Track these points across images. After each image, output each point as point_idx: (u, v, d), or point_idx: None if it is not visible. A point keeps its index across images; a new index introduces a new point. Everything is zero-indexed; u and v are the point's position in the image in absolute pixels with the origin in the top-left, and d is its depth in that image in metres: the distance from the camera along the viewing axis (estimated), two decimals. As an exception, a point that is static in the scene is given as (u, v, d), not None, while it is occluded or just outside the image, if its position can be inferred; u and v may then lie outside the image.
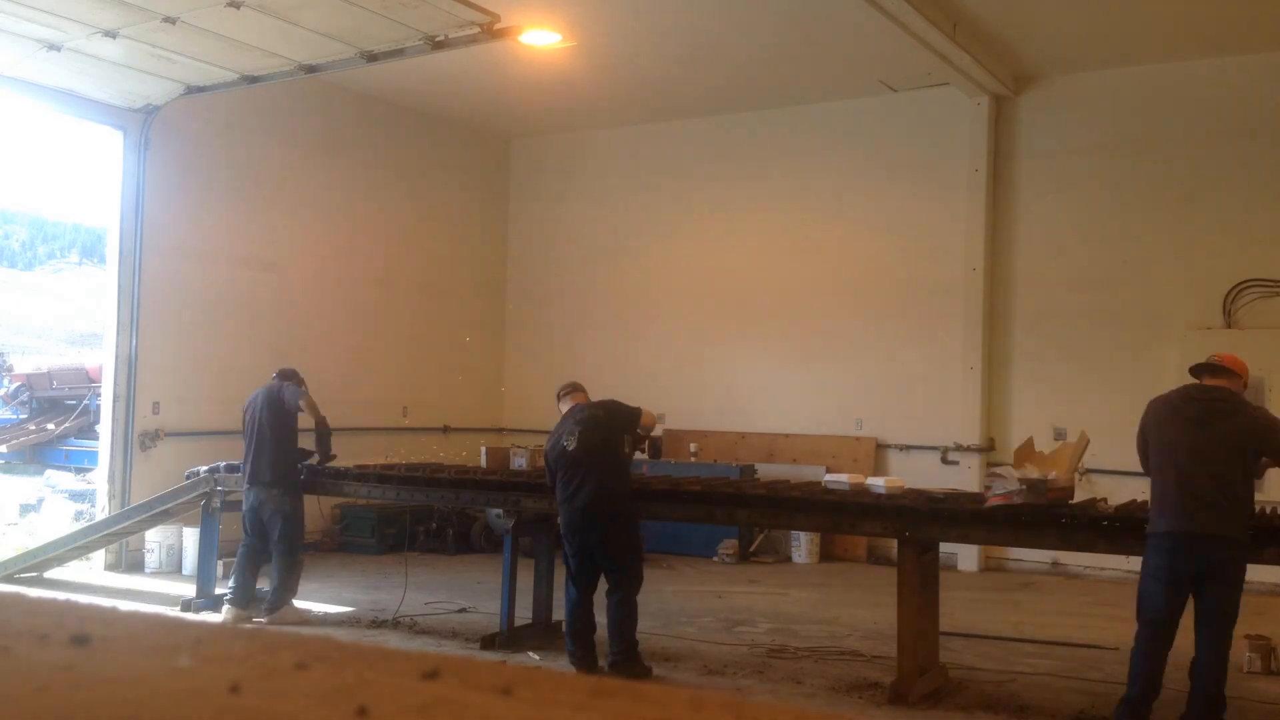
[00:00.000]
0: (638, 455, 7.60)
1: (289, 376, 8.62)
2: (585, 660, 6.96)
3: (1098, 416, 10.59)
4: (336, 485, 8.78)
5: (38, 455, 15.39)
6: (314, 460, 8.57)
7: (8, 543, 11.04)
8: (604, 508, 6.89)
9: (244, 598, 8.39)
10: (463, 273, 14.36)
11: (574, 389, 7.65)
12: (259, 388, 8.62)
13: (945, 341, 11.92)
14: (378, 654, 0.94)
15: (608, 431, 7.04)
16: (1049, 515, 6.14)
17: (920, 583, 6.48)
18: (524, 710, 0.81)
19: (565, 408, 7.42)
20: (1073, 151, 11.57)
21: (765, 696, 6.36)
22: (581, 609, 7.01)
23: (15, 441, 15.38)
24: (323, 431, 8.52)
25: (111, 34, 8.34)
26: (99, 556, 10.38)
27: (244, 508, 8.45)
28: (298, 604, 8.50)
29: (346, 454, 10.50)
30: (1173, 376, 10.94)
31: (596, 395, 13.86)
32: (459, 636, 7.95)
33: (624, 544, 7.00)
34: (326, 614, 8.73)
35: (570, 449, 6.94)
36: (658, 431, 7.69)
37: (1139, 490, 7.01)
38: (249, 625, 7.61)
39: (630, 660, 6.93)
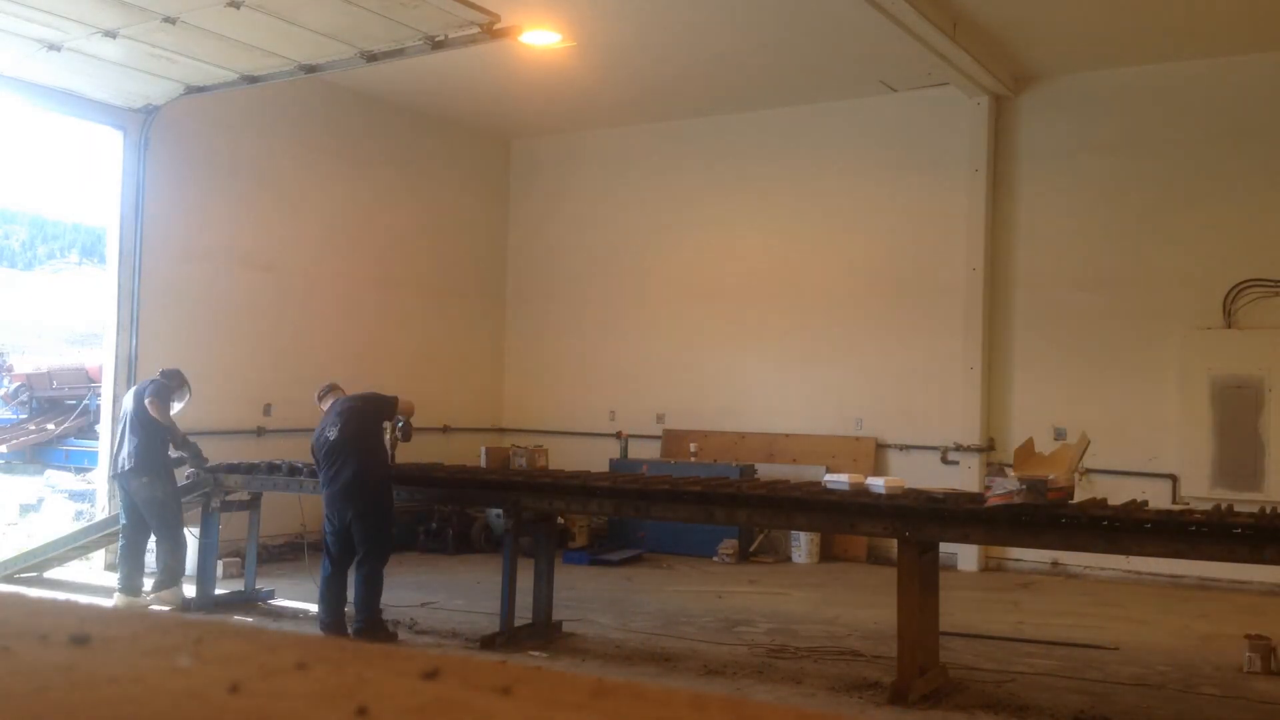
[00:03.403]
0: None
1: (171, 377, 8.83)
2: (334, 626, 7.71)
3: (1098, 416, 10.61)
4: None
5: (38, 455, 15.39)
6: (188, 465, 8.90)
7: (8, 543, 11.04)
8: (360, 488, 7.66)
9: (133, 586, 8.62)
10: (463, 273, 14.36)
11: (333, 388, 8.29)
12: (142, 380, 8.93)
13: (945, 341, 11.92)
14: (378, 654, 0.94)
15: (365, 420, 7.84)
16: (1049, 515, 6.13)
17: (920, 583, 6.48)
18: (524, 710, 0.81)
19: (326, 406, 8.11)
20: (1072, 151, 11.57)
21: (765, 696, 6.36)
22: (336, 582, 7.78)
23: (15, 441, 15.39)
24: (177, 440, 8.76)
25: (111, 34, 8.34)
26: (99, 556, 10.36)
27: (121, 500, 8.76)
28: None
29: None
30: (1173, 376, 11.00)
31: (594, 395, 13.94)
32: (459, 636, 7.95)
33: (375, 521, 7.73)
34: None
35: (333, 439, 7.70)
36: (415, 420, 8.50)
37: (1139, 490, 7.03)
38: (141, 609, 7.83)
39: (375, 628, 7.65)
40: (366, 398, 8.06)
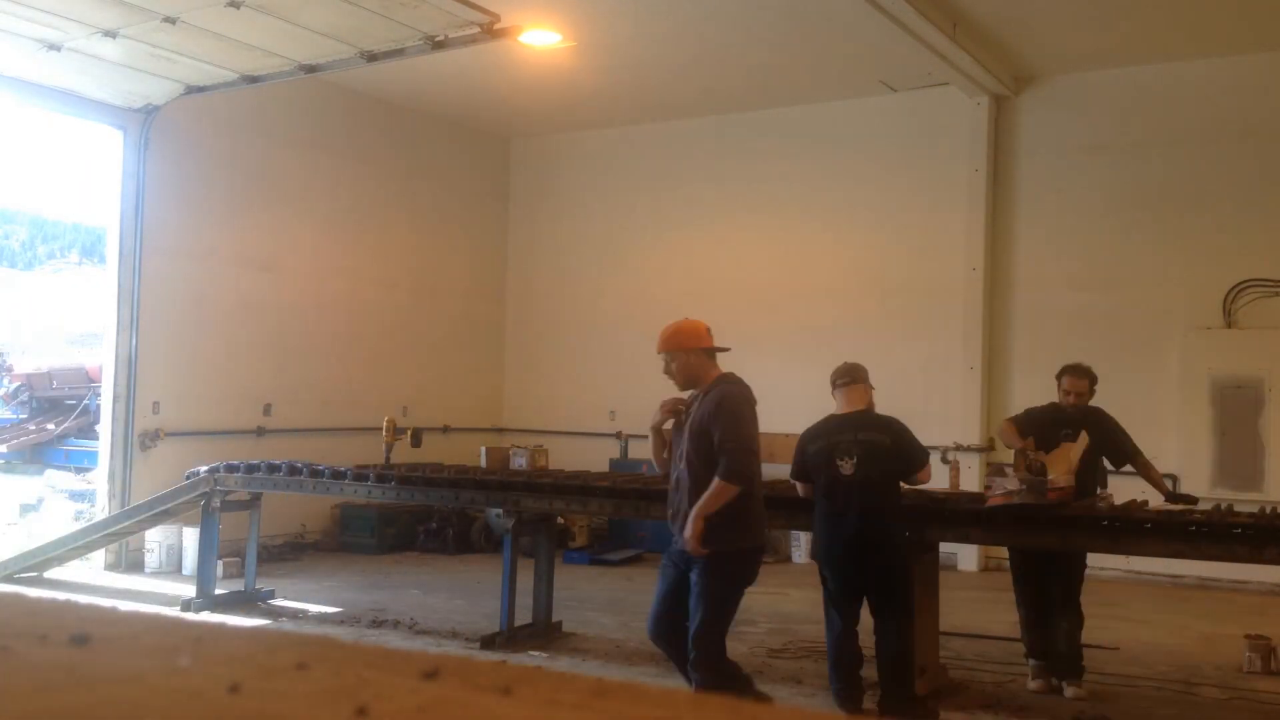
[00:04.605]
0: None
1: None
2: (852, 694, 6.14)
3: (1098, 416, 10.59)
4: (337, 485, 8.77)
5: (38, 455, 15.39)
6: None
7: (8, 543, 11.04)
8: (872, 538, 5.98)
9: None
10: (462, 273, 14.36)
11: (853, 380, 6.43)
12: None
13: (945, 342, 11.91)
14: (378, 654, 0.94)
15: (887, 466, 6.02)
16: (1049, 515, 6.13)
17: (920, 583, 6.47)
18: (524, 710, 0.81)
19: (840, 402, 6.40)
20: (1073, 151, 11.57)
21: (765, 696, 6.35)
22: (845, 639, 6.20)
23: (15, 441, 15.38)
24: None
25: (111, 34, 8.34)
26: (99, 556, 10.37)
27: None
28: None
29: (346, 454, 10.51)
30: (1173, 376, 11.00)
31: (594, 395, 13.91)
32: (459, 636, 7.95)
33: (892, 576, 6.10)
34: (325, 614, 8.74)
35: (845, 474, 6.03)
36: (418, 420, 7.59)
37: (1139, 490, 7.02)
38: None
39: (908, 700, 6.00)
40: (899, 440, 6.08)
